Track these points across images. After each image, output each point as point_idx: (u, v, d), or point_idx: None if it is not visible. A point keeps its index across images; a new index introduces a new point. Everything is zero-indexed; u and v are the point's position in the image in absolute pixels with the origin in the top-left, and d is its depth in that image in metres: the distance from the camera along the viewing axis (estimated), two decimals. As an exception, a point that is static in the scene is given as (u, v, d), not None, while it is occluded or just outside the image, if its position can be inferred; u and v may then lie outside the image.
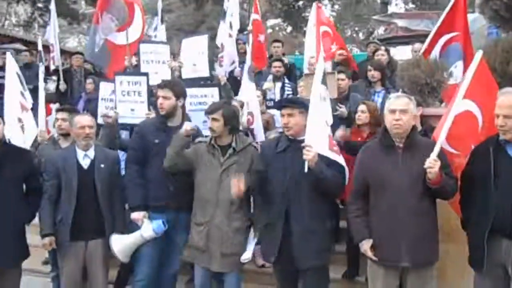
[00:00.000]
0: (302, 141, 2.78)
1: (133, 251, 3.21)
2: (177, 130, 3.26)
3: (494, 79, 3.01)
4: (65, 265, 3.23)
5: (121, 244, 3.16)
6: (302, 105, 2.91)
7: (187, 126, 3.14)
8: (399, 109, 2.63)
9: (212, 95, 4.09)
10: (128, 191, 3.29)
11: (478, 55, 2.80)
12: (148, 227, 3.16)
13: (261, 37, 6.12)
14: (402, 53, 8.05)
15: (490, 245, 2.48)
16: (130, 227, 3.29)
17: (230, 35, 5.71)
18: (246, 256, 3.06)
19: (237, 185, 2.90)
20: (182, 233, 3.33)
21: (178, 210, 3.28)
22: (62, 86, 6.83)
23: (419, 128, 3.21)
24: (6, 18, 17.59)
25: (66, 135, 3.76)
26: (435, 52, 4.25)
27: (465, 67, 3.84)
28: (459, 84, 3.02)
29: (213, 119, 3.08)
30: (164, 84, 3.42)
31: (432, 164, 2.51)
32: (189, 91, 3.89)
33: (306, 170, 2.75)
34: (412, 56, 5.36)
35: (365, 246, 2.72)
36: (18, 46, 9.53)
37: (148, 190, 3.28)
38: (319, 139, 2.80)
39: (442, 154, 2.64)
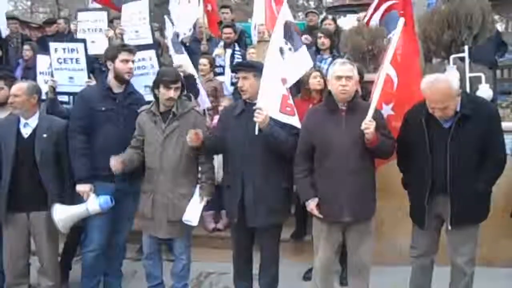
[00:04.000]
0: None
1: (74, 223, 3.09)
2: (122, 96, 3.19)
3: (418, 45, 3.18)
4: (6, 236, 3.13)
5: (63, 214, 3.03)
6: (256, 68, 2.95)
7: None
8: (345, 76, 2.73)
9: (150, 58, 3.95)
10: (73, 162, 3.11)
11: (400, 22, 2.99)
12: (95, 202, 3.04)
13: (209, 7, 6.10)
14: (350, 22, 8.20)
15: (430, 201, 2.74)
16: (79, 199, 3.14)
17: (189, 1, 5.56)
18: (187, 217, 3.00)
19: (194, 132, 2.89)
20: (132, 201, 3.30)
21: (127, 179, 3.18)
22: (-3, 52, 6.37)
23: (360, 93, 3.36)
24: None
25: (2, 104, 3.56)
26: (375, 19, 4.41)
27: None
28: (386, 49, 3.19)
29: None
30: (132, 48, 3.35)
31: (368, 125, 2.66)
32: None
33: (256, 132, 2.82)
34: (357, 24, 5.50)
35: (311, 205, 2.85)
36: None
37: (96, 160, 3.11)
38: (270, 101, 2.86)
39: (379, 116, 2.80)
